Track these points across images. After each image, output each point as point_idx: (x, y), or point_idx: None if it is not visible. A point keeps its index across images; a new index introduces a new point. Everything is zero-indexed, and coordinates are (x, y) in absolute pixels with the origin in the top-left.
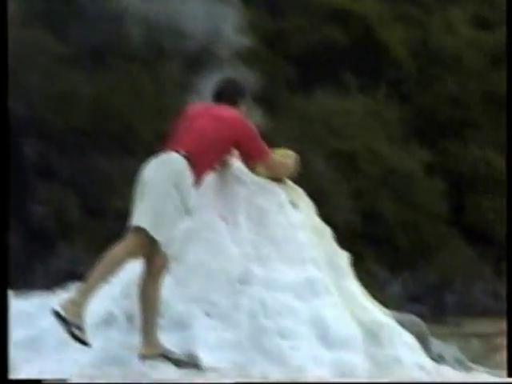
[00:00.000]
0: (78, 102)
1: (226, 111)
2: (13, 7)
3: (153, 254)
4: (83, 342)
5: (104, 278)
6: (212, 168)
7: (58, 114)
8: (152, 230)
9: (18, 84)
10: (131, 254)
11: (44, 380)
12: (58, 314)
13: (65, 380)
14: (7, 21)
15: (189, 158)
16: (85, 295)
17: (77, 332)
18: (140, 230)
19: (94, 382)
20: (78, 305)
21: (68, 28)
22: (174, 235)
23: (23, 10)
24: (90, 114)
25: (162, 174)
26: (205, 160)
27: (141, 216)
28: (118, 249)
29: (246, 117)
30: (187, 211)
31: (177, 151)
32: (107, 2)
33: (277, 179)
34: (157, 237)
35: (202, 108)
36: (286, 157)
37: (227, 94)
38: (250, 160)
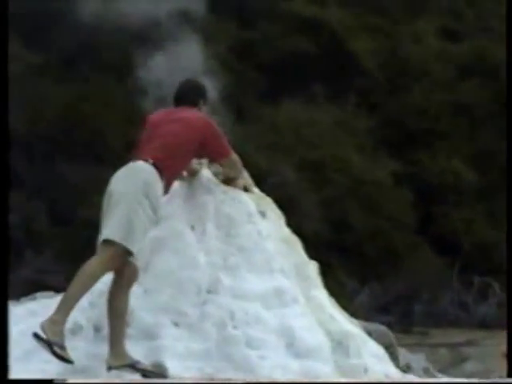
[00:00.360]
0: (47, 109)
1: (190, 113)
2: None
3: (123, 265)
4: (66, 360)
5: (81, 294)
6: (181, 173)
7: (26, 121)
8: (125, 243)
9: None
10: (106, 269)
11: (56, 380)
12: (38, 337)
13: (64, 380)
14: (7, 22)
15: (157, 166)
16: (63, 313)
17: (59, 351)
18: (112, 243)
19: (94, 382)
20: (57, 323)
21: (38, 36)
22: (143, 245)
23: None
24: (59, 121)
25: (132, 183)
26: (173, 165)
27: (113, 229)
28: (92, 264)
29: (208, 117)
30: (157, 220)
31: (145, 160)
32: (77, 10)
33: (245, 188)
34: (131, 249)
35: (163, 113)
36: None
37: (187, 96)
38: (216, 159)
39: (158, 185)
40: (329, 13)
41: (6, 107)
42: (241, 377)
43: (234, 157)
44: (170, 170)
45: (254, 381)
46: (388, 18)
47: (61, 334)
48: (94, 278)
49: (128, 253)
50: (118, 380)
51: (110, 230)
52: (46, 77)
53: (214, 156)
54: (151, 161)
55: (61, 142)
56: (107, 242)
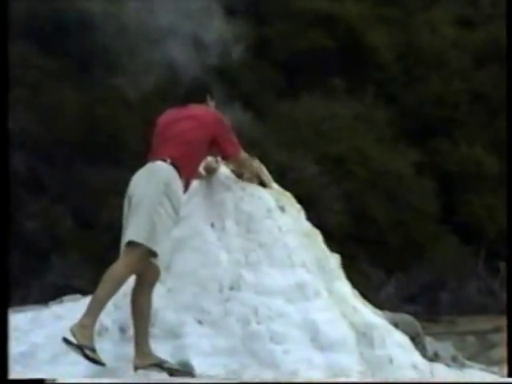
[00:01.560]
0: (66, 114)
1: (200, 109)
2: None
3: (146, 265)
4: (98, 362)
5: (108, 297)
6: (197, 170)
7: (45, 127)
8: (149, 244)
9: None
10: (132, 271)
11: (46, 380)
12: (68, 341)
13: (55, 380)
14: (7, 22)
15: (175, 164)
16: (92, 317)
17: (90, 354)
18: (136, 245)
19: (90, 382)
20: (87, 327)
21: (54, 42)
22: (166, 245)
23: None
24: (78, 126)
25: (152, 184)
26: (189, 163)
27: (136, 230)
28: (118, 267)
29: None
30: (179, 219)
31: (163, 159)
32: (91, 15)
33: (264, 184)
34: (155, 250)
35: (173, 113)
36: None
37: (195, 94)
38: (225, 156)
39: (178, 183)
40: (343, 7)
41: (6, 108)
42: (266, 372)
43: (243, 156)
44: (187, 167)
45: (272, 381)
46: (402, 9)
47: (90, 337)
48: (121, 281)
49: (152, 254)
50: (118, 380)
51: (133, 231)
52: (63, 82)
53: (223, 153)
54: (169, 160)
55: (80, 146)
56: (131, 243)
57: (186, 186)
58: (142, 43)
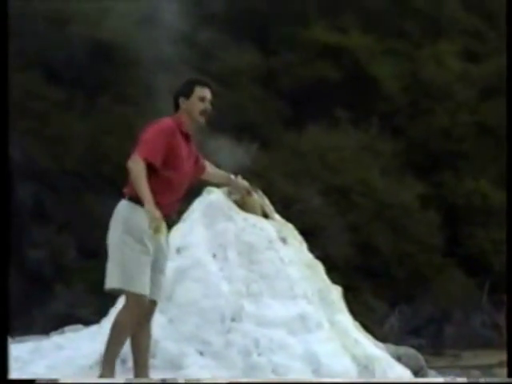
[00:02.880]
0: (72, 144)
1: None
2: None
3: (145, 304)
4: None
5: (120, 347)
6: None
7: (52, 157)
8: (126, 286)
9: (13, 128)
10: (134, 315)
11: (38, 380)
12: None
13: (57, 380)
14: (7, 22)
15: (131, 196)
16: (110, 370)
17: None
18: (122, 290)
19: (86, 382)
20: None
21: (62, 72)
22: (146, 279)
23: (16, 55)
24: (84, 156)
25: (113, 227)
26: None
27: (110, 277)
28: (121, 316)
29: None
30: (148, 250)
31: (123, 195)
32: (99, 45)
33: (265, 215)
34: (134, 291)
35: None
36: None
37: (173, 105)
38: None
39: (137, 215)
40: (350, 38)
41: (7, 138)
42: None
43: (133, 164)
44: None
45: (255, 381)
46: (409, 42)
47: None
48: (127, 328)
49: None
50: (112, 380)
51: (108, 279)
52: (71, 112)
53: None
54: (127, 195)
55: (86, 176)
56: (121, 290)
57: (168, 205)
58: (149, 73)
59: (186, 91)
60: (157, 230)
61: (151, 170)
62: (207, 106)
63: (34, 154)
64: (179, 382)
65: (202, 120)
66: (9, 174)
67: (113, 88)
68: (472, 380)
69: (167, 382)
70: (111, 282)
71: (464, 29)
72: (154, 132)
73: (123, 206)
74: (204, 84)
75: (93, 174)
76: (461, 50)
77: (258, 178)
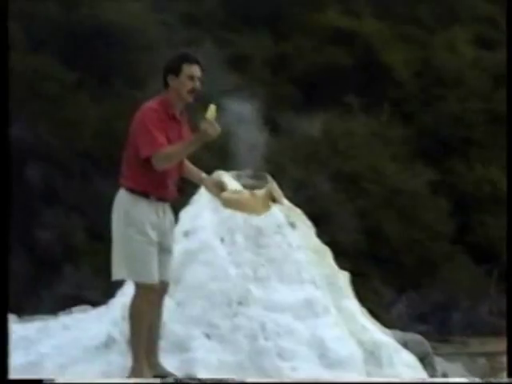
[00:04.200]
0: (83, 127)
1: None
2: (18, 35)
3: (156, 289)
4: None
5: (143, 336)
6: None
7: (62, 139)
8: (132, 277)
9: (23, 110)
10: (146, 302)
11: (45, 380)
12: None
13: (55, 380)
14: (7, 22)
15: (127, 186)
16: (140, 359)
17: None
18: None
19: (85, 382)
20: (140, 372)
21: (73, 54)
22: (153, 267)
23: (29, 38)
24: (94, 138)
25: (115, 219)
26: (134, 174)
27: (115, 269)
28: (134, 305)
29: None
30: (152, 240)
31: (120, 185)
32: (111, 28)
33: (274, 199)
34: (140, 280)
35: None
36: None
37: (163, 78)
38: (141, 157)
39: (138, 205)
40: (362, 24)
41: (7, 112)
42: None
43: (160, 155)
44: (134, 179)
45: (255, 381)
46: (422, 28)
47: (154, 366)
48: (144, 316)
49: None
50: (108, 380)
51: (115, 270)
52: (82, 95)
53: (140, 155)
54: (124, 185)
55: (97, 159)
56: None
57: (167, 185)
58: (161, 57)
59: (175, 68)
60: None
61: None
62: (196, 84)
63: (45, 136)
64: (191, 381)
65: (190, 99)
66: (20, 154)
67: (125, 71)
68: (472, 380)
69: (180, 381)
70: (118, 273)
71: (478, 15)
72: (144, 126)
73: (122, 198)
74: (192, 61)
75: (103, 157)
76: (474, 37)
77: (268, 162)
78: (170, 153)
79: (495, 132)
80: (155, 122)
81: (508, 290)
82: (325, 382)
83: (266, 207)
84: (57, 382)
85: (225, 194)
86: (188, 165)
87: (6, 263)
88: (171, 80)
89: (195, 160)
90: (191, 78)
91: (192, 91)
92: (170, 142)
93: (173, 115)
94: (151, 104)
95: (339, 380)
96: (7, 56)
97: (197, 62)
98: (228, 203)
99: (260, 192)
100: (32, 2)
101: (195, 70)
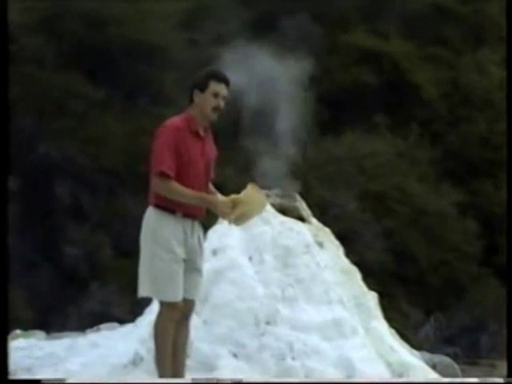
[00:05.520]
0: (109, 144)
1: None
2: (47, 53)
3: (180, 307)
4: None
5: (167, 352)
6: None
7: (90, 156)
8: (156, 296)
9: (51, 127)
10: (169, 321)
11: (43, 380)
12: None
13: (63, 380)
14: (7, 22)
15: (155, 203)
16: (167, 374)
17: None
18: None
19: (92, 382)
20: None
21: (100, 72)
22: (177, 287)
23: (56, 55)
24: (121, 155)
25: (143, 236)
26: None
27: (141, 286)
28: (158, 324)
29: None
30: (178, 258)
31: (148, 202)
32: (138, 46)
33: (302, 218)
34: (164, 299)
35: None
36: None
37: (189, 92)
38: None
39: (165, 222)
40: (389, 44)
41: (7, 113)
42: None
43: (162, 187)
44: (159, 196)
45: (254, 381)
46: (450, 49)
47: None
48: (168, 334)
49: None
50: (117, 380)
51: (141, 287)
52: (109, 112)
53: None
54: (152, 202)
55: (123, 175)
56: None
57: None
58: (188, 75)
59: (201, 84)
60: (237, 219)
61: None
62: (220, 102)
63: (72, 153)
64: (191, 382)
65: (213, 117)
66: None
67: (151, 89)
68: (473, 380)
69: (177, 381)
70: (143, 291)
71: (505, 36)
72: (160, 144)
73: (151, 215)
74: (220, 79)
75: (129, 174)
76: (502, 58)
77: (296, 182)
78: (173, 189)
79: None
80: (172, 142)
81: (508, 291)
82: (327, 381)
83: (264, 199)
84: (68, 381)
85: (228, 211)
86: (211, 187)
87: (6, 270)
88: (196, 95)
89: (224, 178)
90: (216, 95)
91: (215, 109)
92: (190, 159)
93: (196, 132)
94: (175, 120)
95: (340, 380)
96: (7, 56)
97: (225, 81)
98: (238, 219)
99: (248, 190)
100: (59, 20)
101: (221, 89)
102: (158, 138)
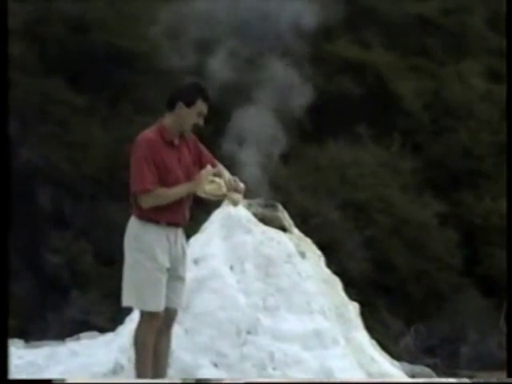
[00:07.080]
0: (92, 150)
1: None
2: (28, 58)
3: (161, 317)
4: None
5: (148, 361)
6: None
7: (72, 162)
8: (139, 305)
9: (33, 134)
10: (150, 330)
11: (42, 380)
12: None
13: (63, 380)
14: (7, 22)
15: (137, 214)
16: None
17: None
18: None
19: (92, 382)
20: None
21: (83, 78)
22: (159, 297)
23: (39, 61)
24: (104, 162)
25: (126, 245)
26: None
27: (124, 296)
28: (138, 334)
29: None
30: (161, 267)
31: (131, 213)
32: (122, 51)
33: (284, 228)
34: (146, 309)
35: None
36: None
37: (167, 101)
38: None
39: (147, 232)
40: (372, 54)
41: (7, 113)
42: None
43: (146, 201)
44: (140, 208)
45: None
46: (433, 59)
47: None
48: (148, 344)
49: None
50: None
51: (124, 297)
52: (91, 119)
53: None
54: (134, 213)
55: (106, 182)
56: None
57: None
58: (172, 82)
59: (188, 99)
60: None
61: None
62: (200, 121)
63: (54, 159)
64: (191, 381)
65: (189, 131)
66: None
67: (134, 96)
68: (472, 380)
69: (176, 381)
70: (126, 300)
71: (489, 48)
72: (137, 160)
73: (133, 224)
74: (207, 99)
75: (112, 181)
76: (485, 69)
77: (277, 191)
78: (159, 195)
79: (504, 164)
80: (148, 155)
81: (508, 291)
82: (325, 382)
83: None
84: (67, 382)
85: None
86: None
87: (6, 268)
88: (180, 108)
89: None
90: (200, 114)
91: (195, 126)
92: (167, 170)
93: (171, 142)
94: (147, 134)
95: (339, 380)
96: (7, 56)
97: (209, 101)
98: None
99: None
100: (41, 25)
101: (205, 108)
102: (133, 155)
